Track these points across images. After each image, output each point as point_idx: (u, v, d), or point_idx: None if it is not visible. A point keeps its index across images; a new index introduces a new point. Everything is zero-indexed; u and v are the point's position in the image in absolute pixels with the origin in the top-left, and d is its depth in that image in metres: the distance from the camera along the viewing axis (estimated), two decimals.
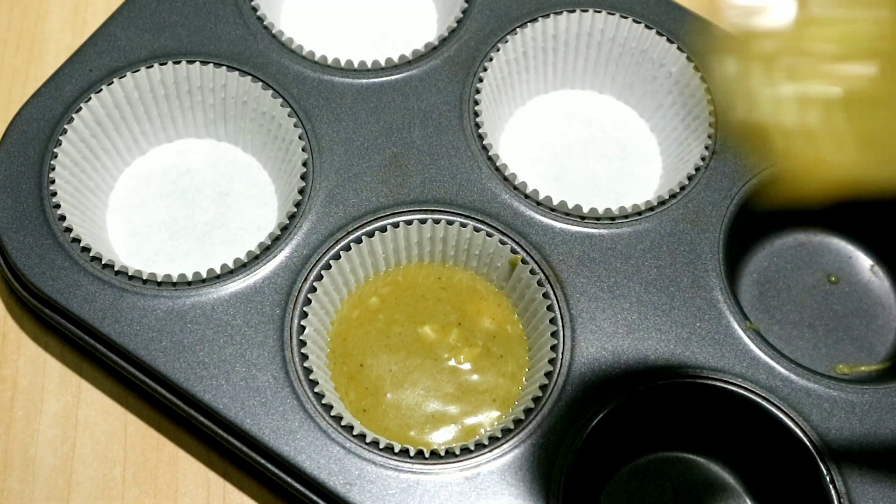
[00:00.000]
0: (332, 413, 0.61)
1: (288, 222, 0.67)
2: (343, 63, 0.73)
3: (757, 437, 0.65)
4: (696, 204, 0.69)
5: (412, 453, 0.61)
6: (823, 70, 0.44)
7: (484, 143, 0.70)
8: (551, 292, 0.66)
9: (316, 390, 0.62)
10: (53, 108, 0.70)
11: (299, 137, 0.70)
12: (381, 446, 0.61)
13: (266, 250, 0.66)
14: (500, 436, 0.62)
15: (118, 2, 0.76)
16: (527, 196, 0.69)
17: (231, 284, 0.65)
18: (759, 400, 0.64)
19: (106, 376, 0.69)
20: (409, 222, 0.68)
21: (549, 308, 0.65)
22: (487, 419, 0.65)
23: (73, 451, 0.67)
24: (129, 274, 0.65)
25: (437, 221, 0.68)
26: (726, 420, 0.65)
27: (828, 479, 0.62)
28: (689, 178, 0.70)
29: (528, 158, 0.76)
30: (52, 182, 0.67)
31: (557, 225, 0.68)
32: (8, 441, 0.67)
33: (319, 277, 0.66)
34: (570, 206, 0.69)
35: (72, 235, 0.65)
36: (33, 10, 0.83)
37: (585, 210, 0.69)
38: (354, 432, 0.61)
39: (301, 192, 0.68)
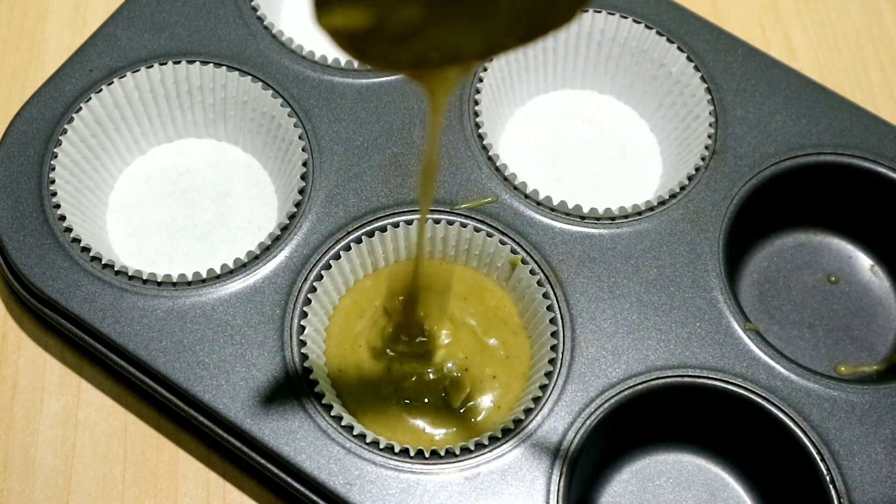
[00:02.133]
0: (332, 413, 0.61)
1: (288, 222, 0.67)
2: (343, 63, 0.73)
3: (757, 437, 0.65)
4: (696, 204, 0.69)
5: (412, 453, 0.61)
6: None
7: (484, 143, 0.70)
8: (551, 292, 0.66)
9: (316, 390, 0.62)
10: (53, 108, 0.70)
11: (299, 137, 0.70)
12: (381, 446, 0.61)
13: (266, 250, 0.66)
14: (500, 436, 0.62)
15: (118, 2, 0.76)
16: (527, 196, 0.69)
17: (231, 284, 0.65)
18: (759, 400, 0.64)
19: (106, 376, 0.69)
20: (409, 222, 0.68)
21: (549, 308, 0.65)
22: (487, 419, 0.65)
23: (73, 451, 0.67)
24: (129, 274, 0.65)
25: (437, 221, 0.68)
26: (726, 420, 0.65)
27: (828, 479, 0.62)
28: (689, 178, 0.70)
29: (528, 158, 0.76)
30: (52, 182, 0.67)
31: (557, 225, 0.68)
32: (8, 441, 0.67)
33: (319, 277, 0.66)
34: (570, 206, 0.69)
35: (72, 235, 0.65)
36: (33, 10, 0.83)
37: (585, 210, 0.69)
38: (354, 432, 0.61)
39: (301, 192, 0.68)
